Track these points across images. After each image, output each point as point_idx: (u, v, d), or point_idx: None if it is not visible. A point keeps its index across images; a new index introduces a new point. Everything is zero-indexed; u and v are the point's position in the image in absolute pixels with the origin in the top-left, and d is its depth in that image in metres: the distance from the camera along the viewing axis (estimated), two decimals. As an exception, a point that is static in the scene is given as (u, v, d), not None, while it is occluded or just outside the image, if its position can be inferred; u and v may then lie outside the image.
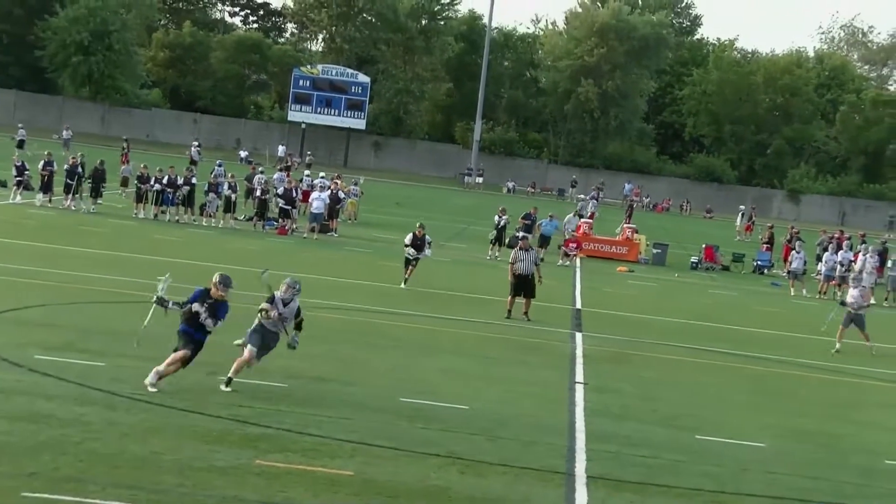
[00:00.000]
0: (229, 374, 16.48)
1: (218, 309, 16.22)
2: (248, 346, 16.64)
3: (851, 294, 28.50)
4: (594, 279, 39.05)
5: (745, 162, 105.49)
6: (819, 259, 44.21)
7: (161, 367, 16.03)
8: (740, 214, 71.24)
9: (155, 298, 16.44)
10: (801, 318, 34.96)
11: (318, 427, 14.89)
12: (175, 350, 16.19)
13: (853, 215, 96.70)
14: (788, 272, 43.09)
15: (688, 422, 18.26)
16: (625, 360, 23.56)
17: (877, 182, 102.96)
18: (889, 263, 44.34)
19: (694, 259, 47.59)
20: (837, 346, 27.72)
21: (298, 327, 17.08)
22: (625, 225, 52.05)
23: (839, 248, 43.98)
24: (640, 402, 19.48)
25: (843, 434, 18.80)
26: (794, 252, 43.06)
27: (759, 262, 48.71)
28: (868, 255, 42.85)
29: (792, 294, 41.26)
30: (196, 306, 16.14)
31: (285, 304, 16.81)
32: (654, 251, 47.57)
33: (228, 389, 16.34)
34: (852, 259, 42.70)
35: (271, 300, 16.74)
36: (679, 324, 30.39)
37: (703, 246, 48.88)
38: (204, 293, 16.32)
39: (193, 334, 16.19)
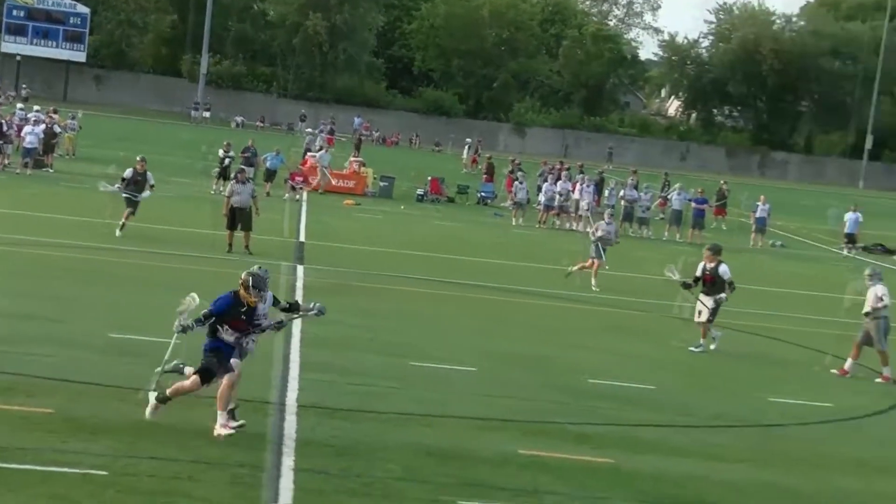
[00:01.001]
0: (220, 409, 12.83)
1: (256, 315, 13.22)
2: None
3: (602, 227, 28.67)
4: (320, 212, 38.94)
5: (472, 96, 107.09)
6: (540, 189, 45.36)
7: (220, 410, 12.71)
8: (466, 147, 72.36)
9: (177, 328, 12.83)
10: (523, 247, 35.89)
11: (17, 365, 14.25)
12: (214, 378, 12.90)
13: (575, 147, 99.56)
14: (514, 203, 44.07)
15: (404, 350, 18.46)
16: (346, 292, 23.58)
17: (597, 115, 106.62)
18: (606, 193, 45.90)
19: (420, 191, 48.10)
20: (591, 282, 27.51)
21: (294, 309, 14.18)
22: (352, 158, 52.09)
23: (558, 178, 45.27)
24: (359, 332, 19.55)
25: (553, 356, 19.39)
26: (517, 183, 44.11)
27: (482, 194, 49.69)
28: (584, 185, 44.24)
29: (513, 224, 42.28)
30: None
31: (265, 302, 13.38)
32: (382, 184, 47.81)
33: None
34: (570, 189, 43.98)
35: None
36: (404, 255, 30.68)
37: (429, 178, 49.46)
38: (234, 301, 13.05)
39: (223, 348, 12.94)
